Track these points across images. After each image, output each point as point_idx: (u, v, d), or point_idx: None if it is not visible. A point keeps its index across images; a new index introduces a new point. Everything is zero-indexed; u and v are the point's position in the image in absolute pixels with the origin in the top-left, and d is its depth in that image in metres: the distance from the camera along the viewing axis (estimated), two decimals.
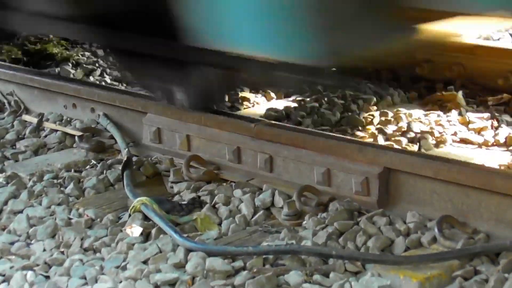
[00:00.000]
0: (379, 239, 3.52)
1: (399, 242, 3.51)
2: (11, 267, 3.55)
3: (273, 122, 4.62)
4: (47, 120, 5.13)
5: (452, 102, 5.23)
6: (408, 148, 4.55)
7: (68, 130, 4.94)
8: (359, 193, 3.81)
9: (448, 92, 5.33)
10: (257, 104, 5.48)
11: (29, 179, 4.36)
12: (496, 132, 4.78)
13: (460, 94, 5.27)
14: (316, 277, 3.30)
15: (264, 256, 3.43)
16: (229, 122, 4.39)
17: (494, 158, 4.40)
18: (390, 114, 5.09)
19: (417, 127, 4.87)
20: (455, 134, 4.80)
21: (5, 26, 5.12)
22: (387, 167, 3.78)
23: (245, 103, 5.50)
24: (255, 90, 5.71)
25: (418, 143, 4.67)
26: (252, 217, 3.86)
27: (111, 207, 4.01)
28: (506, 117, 4.97)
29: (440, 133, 4.80)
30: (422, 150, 4.50)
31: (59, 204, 4.08)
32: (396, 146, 4.55)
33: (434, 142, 4.70)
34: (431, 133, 4.79)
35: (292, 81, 4.18)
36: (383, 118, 5.06)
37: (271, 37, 3.57)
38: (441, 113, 5.14)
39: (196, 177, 4.25)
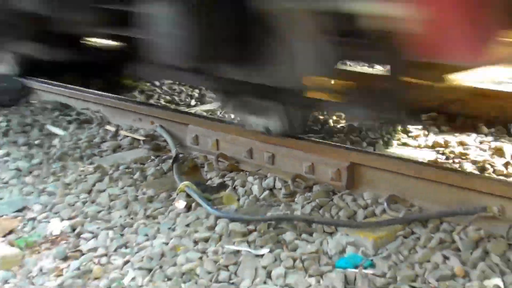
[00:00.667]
0: (346, 210, 3.54)
1: (360, 213, 3.52)
2: (98, 228, 3.57)
3: None
4: (122, 129, 5.14)
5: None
6: (367, 149, 4.55)
7: (136, 136, 4.95)
8: (334, 180, 3.81)
9: None
10: None
11: (110, 169, 4.38)
12: (427, 138, 4.78)
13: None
14: (304, 236, 3.32)
15: (268, 222, 3.45)
16: (245, 130, 4.40)
17: (425, 156, 4.40)
18: (356, 124, 5.09)
19: (372, 134, 4.87)
20: (399, 139, 4.80)
21: (137, 74, 5.02)
22: (353, 162, 3.78)
23: None
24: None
25: (373, 146, 4.66)
26: (261, 196, 3.86)
27: (165, 188, 4.01)
28: (433, 128, 4.96)
29: (388, 138, 4.80)
30: (376, 151, 4.50)
31: (129, 186, 4.09)
32: (358, 147, 4.55)
33: (384, 145, 4.71)
34: (382, 139, 4.79)
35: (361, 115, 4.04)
36: (350, 128, 5.05)
37: None
38: (389, 125, 5.13)
39: (222, 168, 4.25)
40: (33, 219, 3.75)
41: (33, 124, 5.45)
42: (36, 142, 5.05)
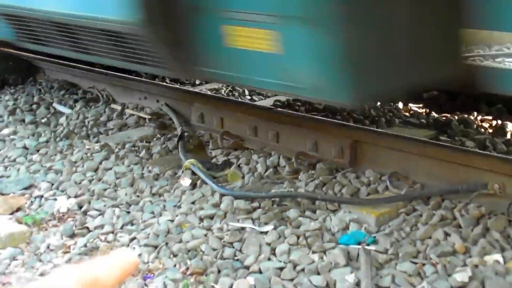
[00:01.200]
0: (349, 187, 3.54)
1: (363, 190, 3.52)
2: (104, 205, 3.59)
3: (279, 109, 4.62)
4: (128, 107, 5.15)
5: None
6: (369, 127, 4.55)
7: (142, 114, 4.95)
8: (337, 157, 3.81)
9: None
10: (268, 97, 5.48)
11: (116, 147, 4.39)
12: (428, 116, 4.78)
13: None
14: (307, 213, 3.33)
15: (272, 199, 3.46)
16: (249, 109, 4.41)
17: (426, 134, 4.39)
18: None
19: (375, 113, 4.86)
20: (401, 118, 4.80)
21: None
22: (356, 139, 3.78)
23: (260, 96, 5.50)
24: None
25: (376, 124, 4.66)
26: (265, 173, 3.87)
27: (170, 166, 4.02)
28: (435, 107, 4.95)
29: (390, 117, 4.79)
30: (379, 128, 4.49)
31: (135, 164, 4.11)
32: (361, 125, 4.55)
33: (387, 123, 4.70)
34: (385, 117, 4.78)
35: None
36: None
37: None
38: (392, 103, 5.13)
39: (227, 146, 4.25)
40: (40, 196, 3.77)
41: (40, 103, 5.46)
42: (43, 120, 5.07)
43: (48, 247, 3.24)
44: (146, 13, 3.12)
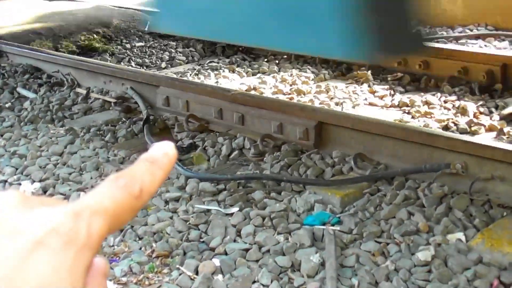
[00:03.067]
0: (314, 169, 3.53)
1: (328, 171, 3.52)
2: (70, 189, 3.55)
3: (244, 91, 4.61)
4: (93, 91, 5.09)
5: (364, 78, 5.22)
6: (334, 109, 4.55)
7: (107, 98, 4.90)
8: (302, 139, 3.80)
9: (361, 71, 5.32)
10: (234, 80, 5.46)
11: (81, 131, 4.33)
12: (393, 98, 4.79)
13: (369, 72, 5.27)
14: (273, 194, 3.32)
15: (238, 181, 3.44)
16: (215, 91, 4.38)
17: (391, 115, 4.41)
18: (323, 86, 5.08)
19: (340, 95, 4.87)
20: (365, 99, 4.80)
21: None
22: (320, 121, 3.78)
23: (225, 79, 5.48)
24: (232, 71, 5.69)
25: (341, 105, 4.66)
26: (230, 155, 3.85)
27: (136, 149, 3.98)
28: (399, 88, 4.97)
29: (355, 99, 4.79)
30: (344, 110, 4.50)
31: (101, 148, 4.06)
32: (326, 107, 4.55)
33: (351, 105, 4.70)
34: (350, 99, 4.79)
35: None
36: (317, 89, 5.05)
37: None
38: (356, 85, 5.14)
39: (192, 129, 4.22)
40: (4, 181, 3.72)
41: (4, 87, 5.38)
42: (7, 105, 4.99)
43: None
44: None
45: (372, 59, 3.09)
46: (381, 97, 4.82)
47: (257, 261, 2.80)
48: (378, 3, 2.52)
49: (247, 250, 2.87)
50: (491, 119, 4.20)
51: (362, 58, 2.91)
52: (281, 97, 4.86)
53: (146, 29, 4.04)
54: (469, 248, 2.74)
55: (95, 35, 7.08)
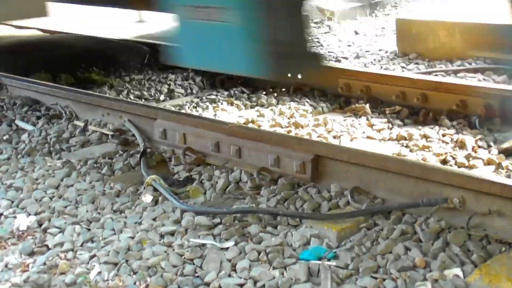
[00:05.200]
0: (311, 203, 3.51)
1: (324, 205, 3.50)
2: (65, 223, 3.54)
3: (241, 124, 4.60)
4: (90, 124, 5.08)
5: (362, 111, 5.21)
6: (332, 142, 4.54)
7: (104, 130, 4.89)
8: (298, 172, 3.78)
9: (359, 105, 5.31)
10: (232, 113, 5.46)
11: (78, 164, 4.32)
12: (391, 131, 4.77)
13: (367, 106, 5.26)
14: (269, 228, 3.30)
15: (233, 215, 3.42)
16: (212, 124, 4.37)
17: (389, 149, 4.39)
18: (321, 119, 5.06)
19: (338, 128, 4.86)
20: (363, 132, 4.79)
21: None
22: (317, 154, 3.76)
23: (224, 112, 5.47)
24: (231, 103, 5.69)
25: (339, 138, 4.65)
26: (226, 188, 3.83)
27: (132, 182, 3.96)
28: (397, 121, 4.96)
29: (353, 132, 4.78)
30: (341, 143, 4.48)
31: (97, 180, 4.05)
32: (323, 140, 4.54)
33: (349, 138, 4.69)
34: (348, 132, 4.77)
35: None
36: (316, 122, 5.03)
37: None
38: (355, 118, 5.13)
39: (189, 162, 4.21)
40: (0, 214, 3.69)
41: (2, 120, 5.38)
42: (5, 137, 4.98)
43: (6, 266, 3.17)
44: None
45: (274, 76, 3.49)
46: (379, 131, 4.80)
47: None
48: (276, 28, 3.11)
49: (242, 285, 2.84)
50: (489, 153, 4.18)
51: (265, 75, 3.36)
52: (279, 130, 4.85)
53: (167, 62, 4.11)
54: (466, 284, 2.71)
55: (94, 68, 7.10)
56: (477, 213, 3.10)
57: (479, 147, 4.32)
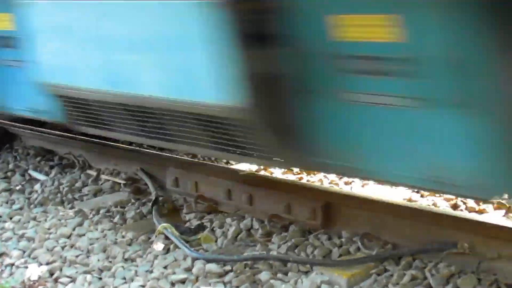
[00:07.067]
0: (322, 249, 3.54)
1: (335, 251, 3.53)
2: (76, 272, 3.56)
3: (253, 172, 4.64)
4: (103, 173, 5.14)
5: None
6: (343, 188, 4.57)
7: (117, 179, 4.95)
8: (309, 219, 3.81)
9: None
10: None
11: (90, 213, 4.37)
12: None
13: None
14: (279, 275, 3.32)
15: (244, 262, 3.45)
16: (224, 172, 4.42)
17: (400, 194, 4.42)
18: None
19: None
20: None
21: None
22: (328, 201, 3.80)
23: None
24: None
25: (350, 184, 4.68)
26: (238, 236, 3.87)
27: (144, 231, 4.00)
28: None
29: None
30: (352, 189, 4.51)
31: (109, 229, 4.09)
32: (335, 187, 4.57)
33: (361, 184, 4.72)
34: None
35: None
36: None
37: None
38: None
39: (201, 210, 4.25)
40: (11, 264, 3.74)
41: (15, 170, 5.45)
42: (18, 187, 5.05)
43: None
44: (253, 97, 2.79)
45: None
46: None
47: None
48: None
49: None
50: (499, 197, 4.20)
51: None
52: (290, 176, 4.89)
53: None
54: None
55: None
56: (486, 258, 3.12)
57: None
